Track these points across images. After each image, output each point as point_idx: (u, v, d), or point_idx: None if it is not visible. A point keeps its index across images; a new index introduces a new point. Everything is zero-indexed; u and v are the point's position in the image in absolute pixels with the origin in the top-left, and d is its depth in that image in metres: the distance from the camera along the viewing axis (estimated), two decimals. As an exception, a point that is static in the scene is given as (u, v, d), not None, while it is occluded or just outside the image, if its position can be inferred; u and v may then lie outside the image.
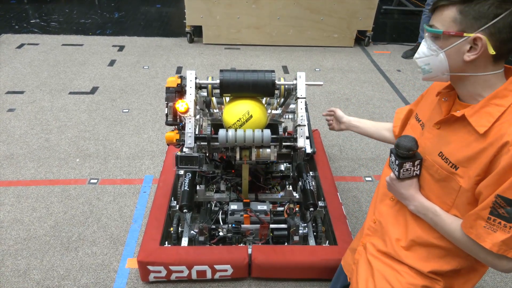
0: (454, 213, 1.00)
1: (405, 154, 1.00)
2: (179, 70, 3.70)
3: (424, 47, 0.96)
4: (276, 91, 1.65)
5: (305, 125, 1.59)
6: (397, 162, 1.02)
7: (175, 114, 1.58)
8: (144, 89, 3.34)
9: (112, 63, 3.76)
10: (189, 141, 1.53)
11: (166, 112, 1.57)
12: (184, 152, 1.53)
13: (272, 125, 1.70)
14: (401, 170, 1.02)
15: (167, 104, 1.57)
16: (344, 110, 3.16)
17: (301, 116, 1.59)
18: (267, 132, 1.56)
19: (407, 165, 1.01)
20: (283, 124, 2.09)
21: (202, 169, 1.55)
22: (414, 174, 1.04)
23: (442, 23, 0.90)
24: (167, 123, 1.59)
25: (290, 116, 2.09)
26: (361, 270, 1.20)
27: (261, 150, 1.64)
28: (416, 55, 0.99)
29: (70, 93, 3.21)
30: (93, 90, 3.27)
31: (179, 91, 1.58)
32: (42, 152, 2.51)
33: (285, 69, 3.81)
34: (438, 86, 1.10)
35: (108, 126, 2.82)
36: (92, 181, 2.30)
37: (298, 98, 1.60)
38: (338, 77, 3.71)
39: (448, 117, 0.98)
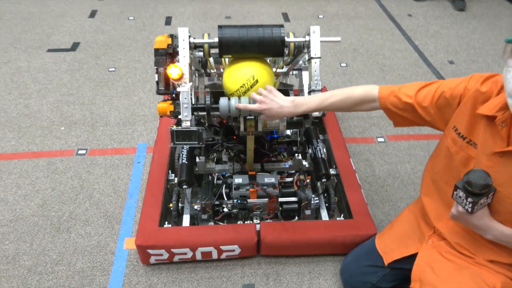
0: None
1: (481, 192, 0.91)
2: (168, 20, 3.34)
3: None
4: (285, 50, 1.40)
5: (319, 90, 1.36)
6: (469, 199, 0.92)
7: (167, 81, 1.34)
8: (131, 44, 3.02)
9: (93, 14, 3.38)
10: (186, 113, 1.31)
11: (156, 80, 1.33)
12: (181, 126, 1.32)
13: (282, 91, 1.47)
14: (475, 207, 0.93)
15: (157, 69, 1.32)
16: (352, 62, 2.92)
17: (316, 80, 1.36)
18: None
19: (482, 200, 0.93)
20: (288, 80, 1.86)
21: (202, 144, 1.35)
22: (486, 204, 0.96)
23: None
24: (159, 92, 1.35)
25: (295, 72, 1.86)
26: (441, 268, 1.14)
27: (268, 119, 1.42)
28: None
29: (49, 50, 2.89)
30: (74, 47, 2.95)
31: (171, 53, 1.33)
32: (22, 121, 2.27)
33: (285, 17, 3.46)
34: (472, 99, 0.97)
35: (93, 88, 2.55)
36: (80, 152, 2.10)
37: (312, 58, 1.36)
38: (343, 24, 3.38)
39: None
